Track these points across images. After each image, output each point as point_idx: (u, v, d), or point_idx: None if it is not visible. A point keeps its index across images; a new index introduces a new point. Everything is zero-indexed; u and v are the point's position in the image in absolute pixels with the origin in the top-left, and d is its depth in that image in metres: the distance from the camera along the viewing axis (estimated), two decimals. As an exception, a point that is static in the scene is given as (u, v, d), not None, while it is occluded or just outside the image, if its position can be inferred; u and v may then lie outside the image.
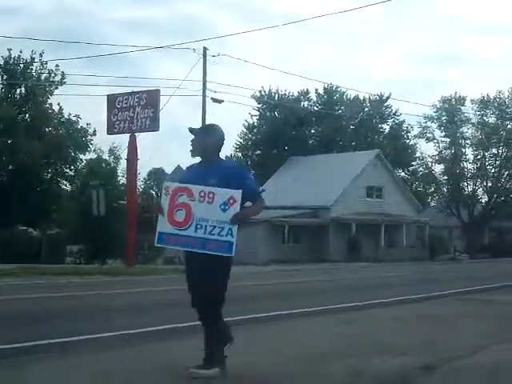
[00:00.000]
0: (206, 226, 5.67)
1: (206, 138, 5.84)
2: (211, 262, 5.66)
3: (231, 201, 5.67)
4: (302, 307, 11.51)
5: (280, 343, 7.92)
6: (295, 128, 60.98)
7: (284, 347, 7.61)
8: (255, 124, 64.58)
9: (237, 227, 5.69)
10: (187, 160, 6.48)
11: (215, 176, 5.74)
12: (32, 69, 47.01)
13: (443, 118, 58.90)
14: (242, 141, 65.55)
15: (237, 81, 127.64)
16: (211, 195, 5.69)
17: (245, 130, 65.01)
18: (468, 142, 59.83)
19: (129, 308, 12.02)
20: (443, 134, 59.52)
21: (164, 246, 5.87)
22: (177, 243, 5.85)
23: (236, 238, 5.67)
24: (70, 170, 48.81)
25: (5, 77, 46.72)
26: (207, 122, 22.68)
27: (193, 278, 5.85)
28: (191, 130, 5.93)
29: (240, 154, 67.31)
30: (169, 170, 65.23)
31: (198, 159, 6.01)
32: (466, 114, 58.96)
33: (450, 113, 58.50)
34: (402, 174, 63.33)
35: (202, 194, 5.70)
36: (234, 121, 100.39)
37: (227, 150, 66.55)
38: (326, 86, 63.42)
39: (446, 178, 60.41)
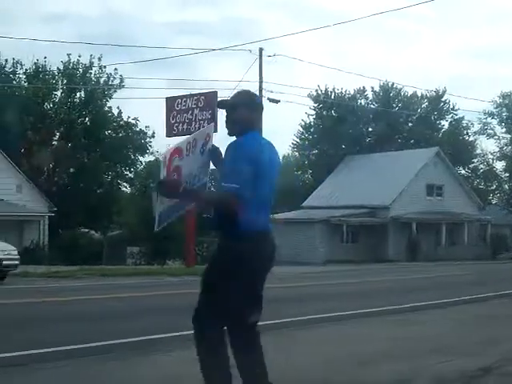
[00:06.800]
0: (189, 182, 4.47)
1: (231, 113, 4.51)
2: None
3: (207, 138, 4.67)
4: (366, 307, 11.41)
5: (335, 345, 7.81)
6: (352, 126, 60.46)
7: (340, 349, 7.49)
8: (312, 123, 64.25)
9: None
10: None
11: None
12: (91, 73, 47.70)
13: (504, 114, 57.77)
14: (298, 140, 65.40)
15: (293, 81, 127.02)
16: (194, 142, 4.55)
17: (301, 129, 64.81)
18: (530, 137, 58.57)
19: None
20: (504, 130, 58.41)
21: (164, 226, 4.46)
22: (171, 214, 4.52)
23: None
24: (130, 172, 49.49)
25: (64, 81, 47.50)
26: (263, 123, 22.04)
27: None
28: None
29: (297, 154, 67.17)
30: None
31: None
32: (527, 110, 57.75)
33: (510, 108, 57.32)
34: (463, 171, 62.19)
35: (188, 146, 4.48)
36: (291, 120, 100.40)
37: (284, 150, 66.57)
38: (382, 84, 62.88)
39: (507, 175, 59.19)
